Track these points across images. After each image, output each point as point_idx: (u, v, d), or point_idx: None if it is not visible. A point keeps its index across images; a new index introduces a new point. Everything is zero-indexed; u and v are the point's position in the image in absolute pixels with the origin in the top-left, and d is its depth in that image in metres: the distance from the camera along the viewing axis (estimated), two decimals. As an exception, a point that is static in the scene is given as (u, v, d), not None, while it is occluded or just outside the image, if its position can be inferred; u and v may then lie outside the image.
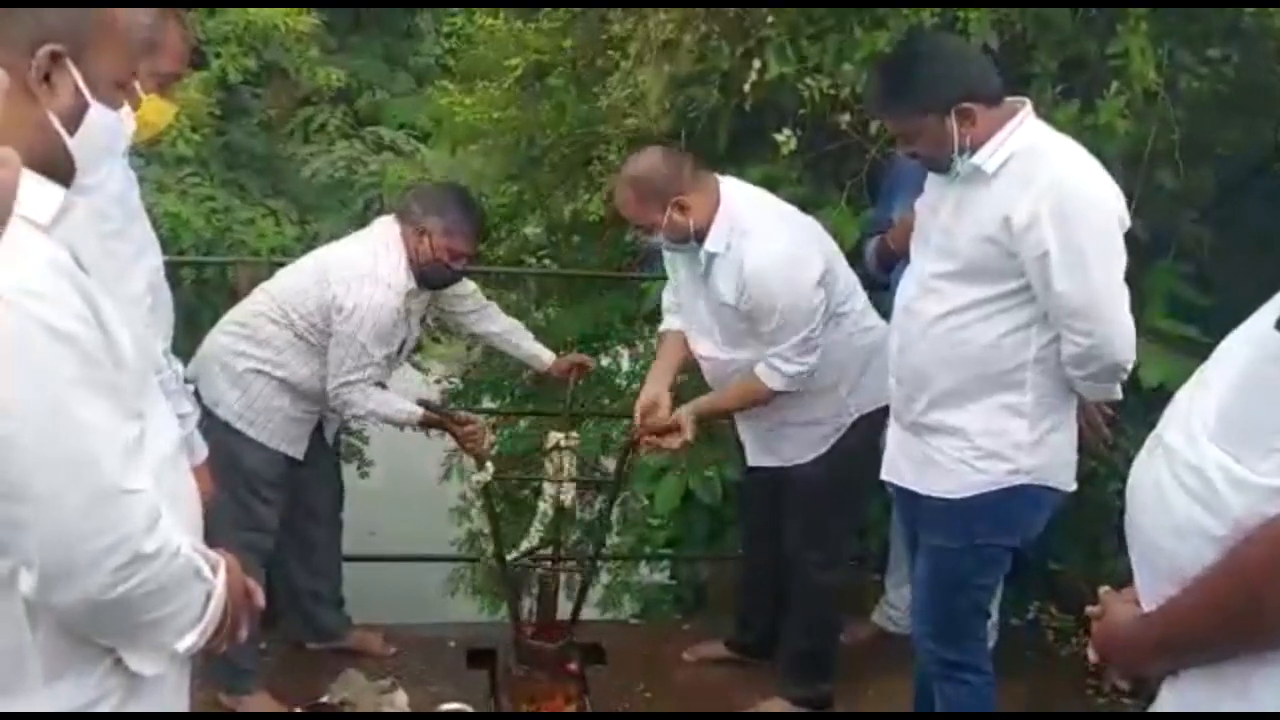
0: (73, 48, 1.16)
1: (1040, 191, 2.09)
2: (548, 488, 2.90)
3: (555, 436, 2.92)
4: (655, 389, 2.80)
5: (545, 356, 3.35)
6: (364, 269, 2.80)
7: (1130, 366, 2.20)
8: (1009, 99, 2.21)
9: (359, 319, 2.76)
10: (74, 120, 1.19)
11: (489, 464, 2.96)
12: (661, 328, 3.03)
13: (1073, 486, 2.32)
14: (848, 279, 2.81)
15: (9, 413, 1.07)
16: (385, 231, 2.92)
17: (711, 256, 2.68)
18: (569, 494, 2.93)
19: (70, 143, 1.19)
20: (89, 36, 1.19)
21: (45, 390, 1.08)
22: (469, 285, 3.21)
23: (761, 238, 2.62)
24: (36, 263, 1.09)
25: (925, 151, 2.24)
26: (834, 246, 2.82)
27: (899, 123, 2.28)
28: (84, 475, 1.11)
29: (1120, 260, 2.14)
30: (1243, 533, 1.26)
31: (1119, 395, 2.27)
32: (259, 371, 2.81)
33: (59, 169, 1.19)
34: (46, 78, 1.15)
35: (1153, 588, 1.43)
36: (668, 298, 3.01)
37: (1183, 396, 1.48)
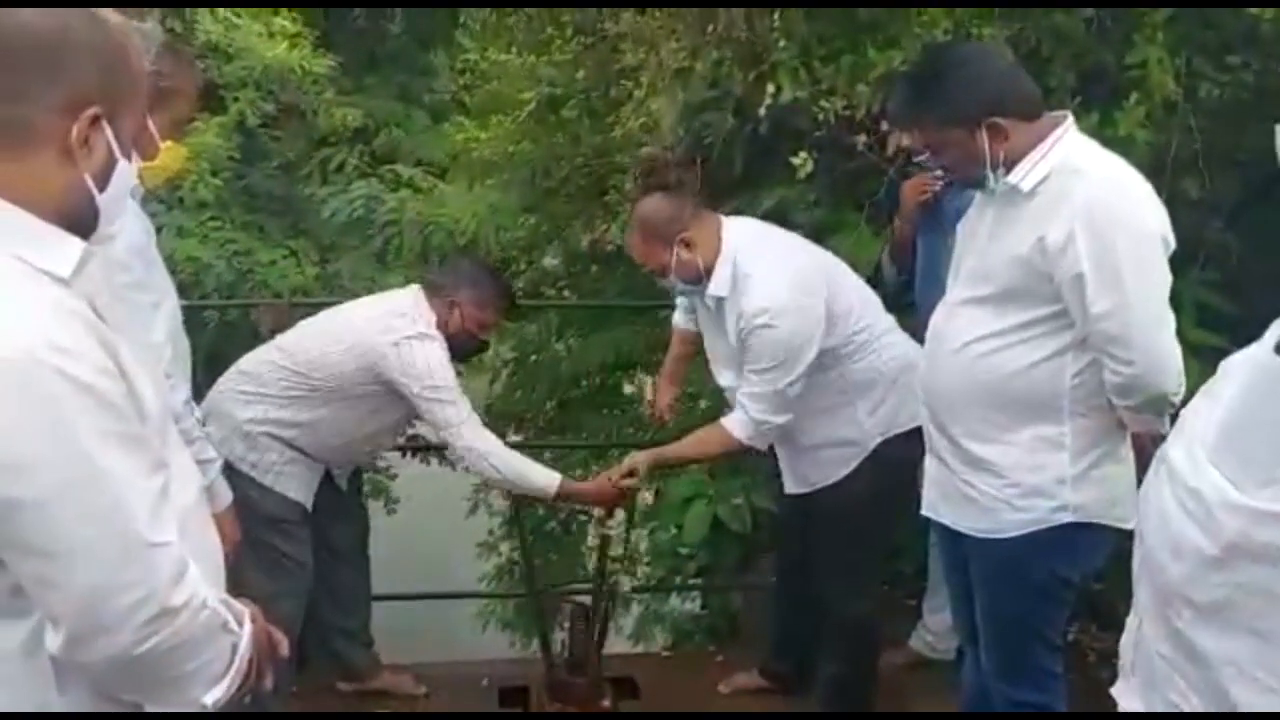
0: (108, 108, 1.17)
1: (1077, 209, 1.96)
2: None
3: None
4: (669, 394, 3.19)
5: None
6: (404, 331, 2.77)
7: (1177, 398, 2.03)
8: (1051, 113, 2.10)
9: (426, 374, 2.74)
10: (105, 178, 1.20)
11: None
12: (674, 321, 3.19)
13: (1134, 523, 2.18)
14: (864, 302, 2.76)
15: (37, 472, 1.06)
16: (414, 297, 2.89)
17: (719, 300, 2.68)
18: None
19: (100, 200, 1.20)
20: (122, 96, 1.20)
21: (72, 447, 1.08)
22: None
23: (761, 282, 2.61)
24: (60, 316, 1.10)
25: (956, 167, 2.15)
26: (845, 276, 2.78)
27: (925, 135, 2.17)
28: (112, 531, 1.10)
29: (1163, 283, 1.99)
30: (1236, 555, 1.23)
31: (1166, 429, 2.07)
32: (268, 434, 2.78)
33: (82, 224, 1.20)
34: (85, 140, 1.16)
35: (1151, 605, 1.40)
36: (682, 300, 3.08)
37: (1189, 412, 1.45)
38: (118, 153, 1.20)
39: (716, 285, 2.67)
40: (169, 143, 1.95)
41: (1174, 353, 2.01)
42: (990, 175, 2.07)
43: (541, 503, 4.32)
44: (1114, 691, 1.56)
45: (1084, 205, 1.97)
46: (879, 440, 2.73)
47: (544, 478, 2.87)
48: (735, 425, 2.67)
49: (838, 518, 2.78)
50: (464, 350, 2.97)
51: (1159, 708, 1.41)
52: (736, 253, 2.66)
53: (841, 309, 2.67)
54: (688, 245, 2.67)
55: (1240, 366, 1.36)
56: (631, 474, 2.79)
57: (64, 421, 1.07)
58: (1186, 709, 1.35)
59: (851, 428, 2.73)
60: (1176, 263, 2.05)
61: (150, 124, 1.76)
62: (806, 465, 2.83)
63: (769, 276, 2.61)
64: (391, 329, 2.77)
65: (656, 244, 2.70)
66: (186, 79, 2.08)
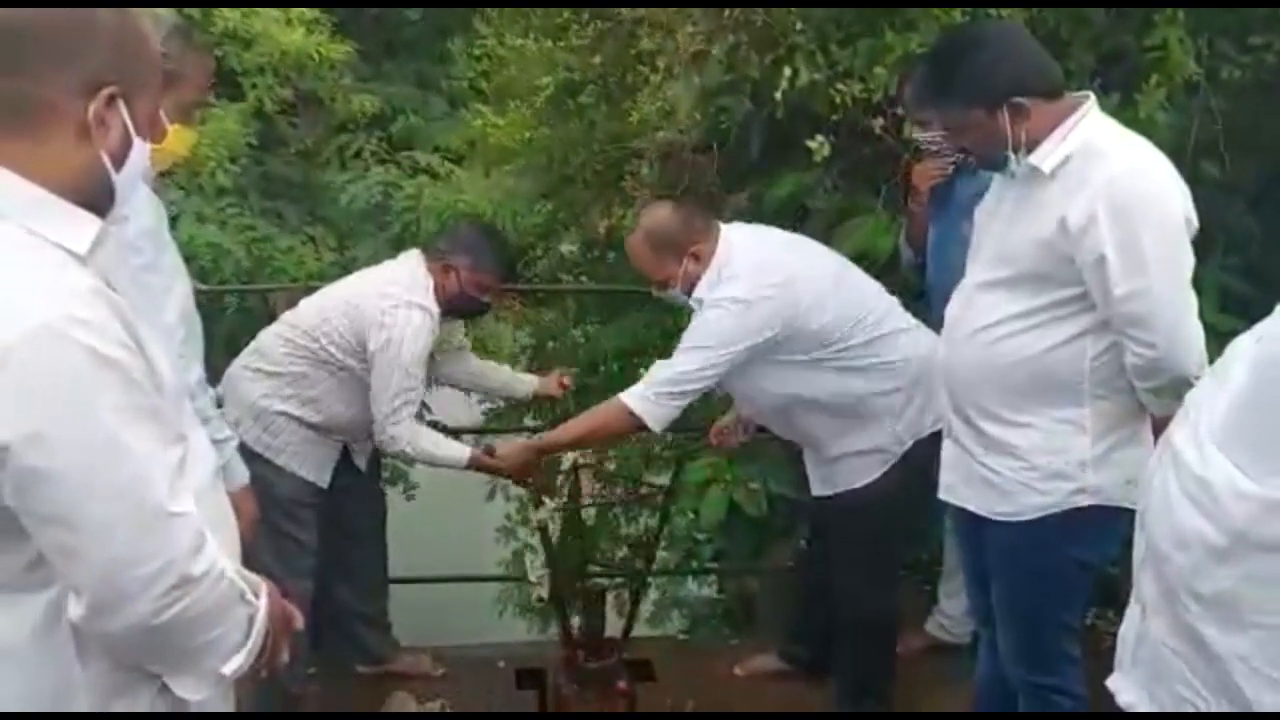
0: (124, 89, 1.19)
1: (1099, 190, 1.95)
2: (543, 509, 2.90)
3: (571, 456, 3.00)
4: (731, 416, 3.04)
5: (523, 383, 3.44)
6: (398, 297, 2.82)
7: (1199, 381, 1.98)
8: (1072, 94, 2.08)
9: (398, 344, 2.77)
10: (121, 158, 1.21)
11: (547, 500, 2.93)
12: None
13: None
14: (878, 301, 2.72)
15: (60, 445, 1.08)
16: (413, 263, 2.93)
17: (700, 304, 2.65)
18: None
19: (117, 179, 1.22)
20: (139, 78, 1.22)
21: (94, 420, 1.09)
22: (459, 328, 3.25)
23: (730, 282, 2.59)
24: (79, 291, 1.11)
25: (977, 148, 2.13)
26: (845, 274, 2.73)
27: (946, 116, 2.17)
28: (133, 502, 1.12)
29: (1186, 264, 1.98)
30: (1243, 545, 1.22)
31: None
32: (282, 412, 2.81)
33: (99, 202, 1.21)
34: (101, 119, 1.17)
35: (1158, 598, 1.38)
36: None
37: (1194, 397, 1.43)
38: (133, 133, 1.22)
39: (701, 289, 2.65)
40: (176, 126, 1.95)
41: (1196, 335, 2.00)
42: (1011, 156, 2.05)
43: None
44: (1110, 684, 1.54)
45: (1106, 187, 1.95)
46: (908, 445, 2.70)
47: (456, 451, 2.95)
48: (632, 398, 2.62)
49: (859, 519, 2.77)
50: (465, 310, 3.02)
51: (1166, 702, 1.39)
52: (726, 258, 2.64)
53: (847, 312, 2.63)
54: (697, 258, 2.65)
55: (1249, 349, 1.34)
56: (490, 453, 2.89)
57: (85, 394, 1.09)
58: (1199, 704, 1.33)
59: (880, 436, 2.71)
60: (1198, 246, 2.04)
61: (164, 105, 1.77)
62: (832, 471, 2.81)
63: (737, 275, 2.60)
64: (386, 295, 2.82)
65: (667, 256, 2.67)
66: (195, 63, 2.09)
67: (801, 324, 2.59)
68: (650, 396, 2.61)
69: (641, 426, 2.65)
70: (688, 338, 2.61)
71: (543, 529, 2.94)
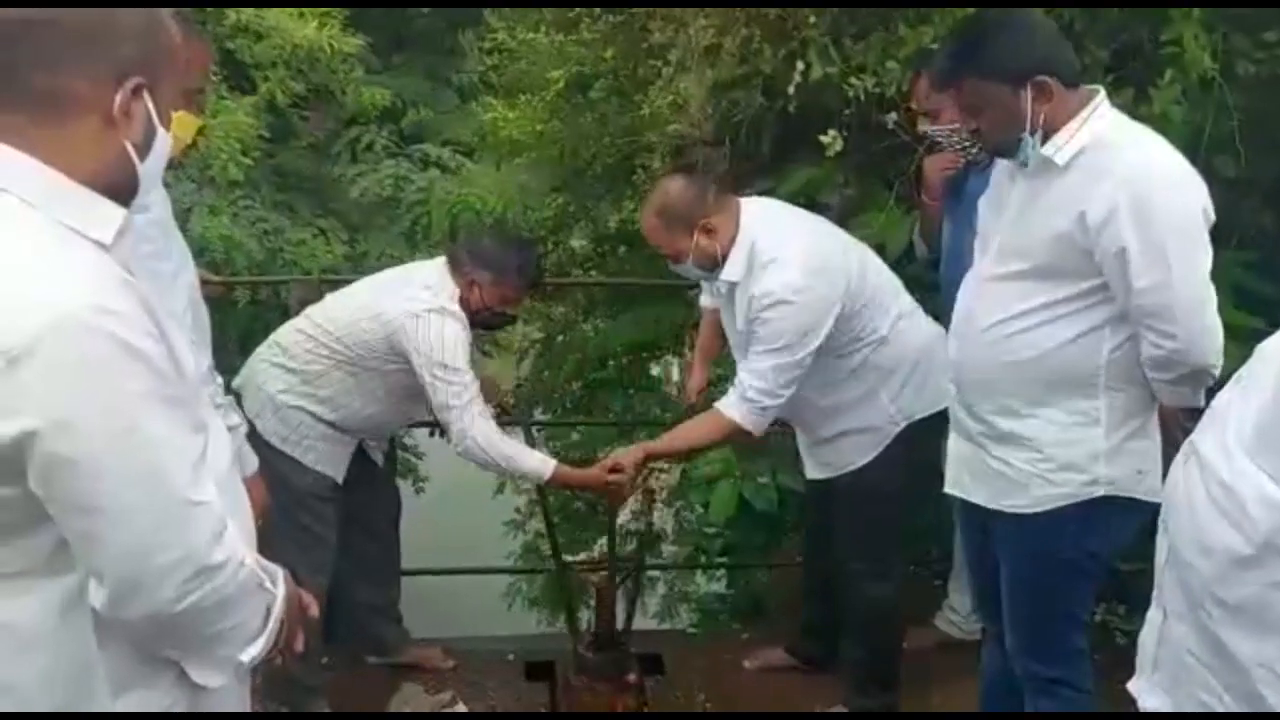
0: (149, 79, 1.20)
1: (1118, 184, 1.94)
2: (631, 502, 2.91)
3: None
4: (701, 375, 3.21)
5: None
6: (426, 304, 2.77)
7: (1217, 371, 2.01)
8: (1085, 86, 2.07)
9: (439, 351, 2.73)
10: (145, 147, 1.23)
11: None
12: (701, 302, 3.17)
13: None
14: (887, 288, 2.73)
15: (87, 433, 1.09)
16: (439, 272, 2.88)
17: (731, 285, 2.63)
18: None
19: (141, 169, 1.23)
20: (161, 67, 1.22)
21: (121, 409, 1.10)
22: None
23: (776, 266, 2.55)
24: (108, 281, 1.12)
25: (992, 129, 2.08)
26: (869, 262, 2.74)
27: (968, 91, 2.10)
28: (156, 490, 1.13)
29: (1205, 257, 1.97)
30: (1270, 553, 1.20)
31: (1200, 403, 2.05)
32: (299, 407, 2.80)
33: (122, 191, 1.22)
34: (126, 110, 1.18)
35: (1182, 604, 1.37)
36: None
37: (1220, 402, 1.42)
38: (157, 122, 1.23)
39: (730, 270, 2.61)
40: (180, 113, 1.95)
41: (1216, 326, 2.00)
42: (1028, 139, 2.03)
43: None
44: (1131, 688, 1.53)
45: (1127, 180, 1.95)
46: (902, 427, 2.71)
47: (537, 463, 2.85)
48: (731, 407, 2.61)
49: (859, 503, 2.78)
50: (489, 323, 2.99)
51: (1187, 706, 1.39)
52: (754, 238, 2.60)
53: (866, 296, 2.64)
54: (709, 232, 2.61)
55: (1277, 351, 1.33)
56: (616, 470, 2.74)
57: (112, 382, 1.09)
58: (1219, 708, 1.32)
59: (874, 415, 2.72)
60: (1212, 242, 2.03)
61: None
62: (828, 453, 2.82)
63: (783, 259, 2.55)
64: (415, 299, 2.78)
65: (678, 230, 2.63)
66: (195, 49, 2.08)
67: (850, 300, 2.59)
68: (747, 405, 2.58)
69: (744, 432, 2.63)
70: (763, 340, 2.55)
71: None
